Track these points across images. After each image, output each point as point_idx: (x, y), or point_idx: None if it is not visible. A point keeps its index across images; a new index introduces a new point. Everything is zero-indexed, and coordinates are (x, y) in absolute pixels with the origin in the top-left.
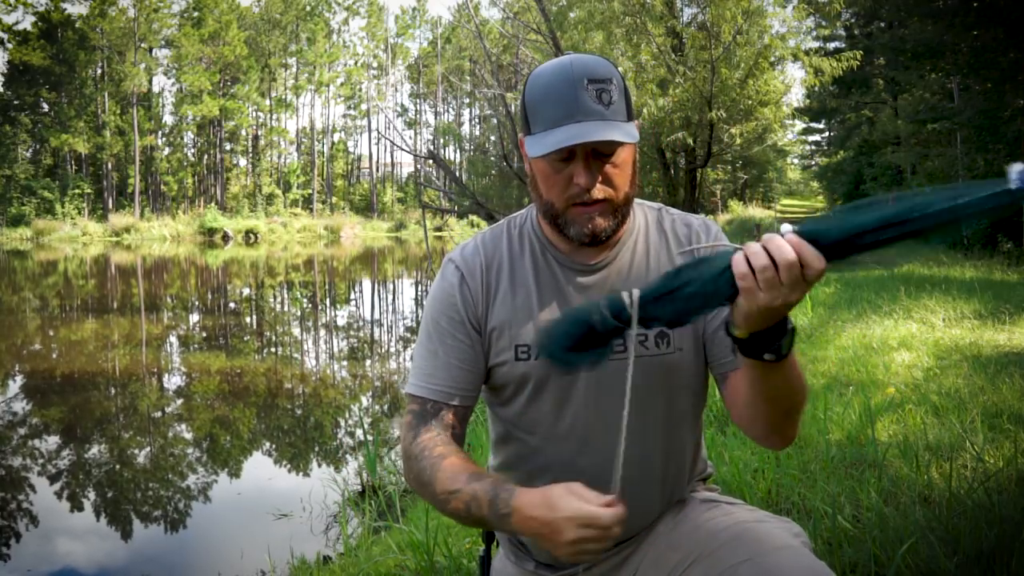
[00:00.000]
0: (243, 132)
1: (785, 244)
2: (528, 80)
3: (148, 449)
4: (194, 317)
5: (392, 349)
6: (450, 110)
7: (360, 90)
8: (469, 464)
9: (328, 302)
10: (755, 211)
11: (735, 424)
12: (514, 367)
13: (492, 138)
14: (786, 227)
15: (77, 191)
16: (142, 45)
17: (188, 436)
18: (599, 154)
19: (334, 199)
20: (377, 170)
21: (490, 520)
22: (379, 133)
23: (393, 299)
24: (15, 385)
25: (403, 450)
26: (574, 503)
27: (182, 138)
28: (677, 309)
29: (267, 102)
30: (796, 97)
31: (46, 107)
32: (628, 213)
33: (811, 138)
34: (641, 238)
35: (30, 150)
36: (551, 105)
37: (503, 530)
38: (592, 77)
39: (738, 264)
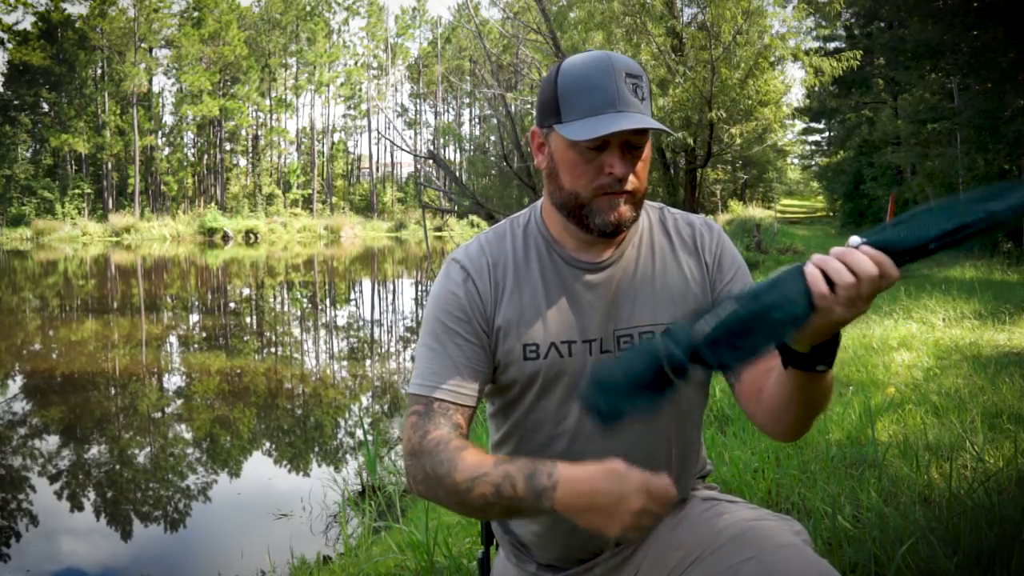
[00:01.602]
0: (243, 132)
1: (866, 259)
2: (560, 71)
3: (148, 449)
4: (194, 317)
5: (392, 349)
6: (450, 110)
7: (360, 90)
8: (493, 455)
9: (328, 302)
10: (755, 211)
11: (747, 416)
12: (522, 367)
13: (492, 138)
14: (855, 239)
15: (77, 191)
16: (142, 45)
17: (188, 436)
18: (631, 146)
19: (334, 199)
20: (377, 170)
21: (525, 498)
22: (379, 133)
23: (393, 299)
24: (15, 385)
25: (410, 448)
26: (639, 473)
27: (182, 138)
28: (765, 340)
29: (267, 102)
30: (796, 97)
31: (46, 107)
32: (641, 209)
33: (811, 138)
34: (646, 237)
35: (30, 150)
36: (591, 93)
37: (537, 509)
38: (629, 71)
39: (817, 283)
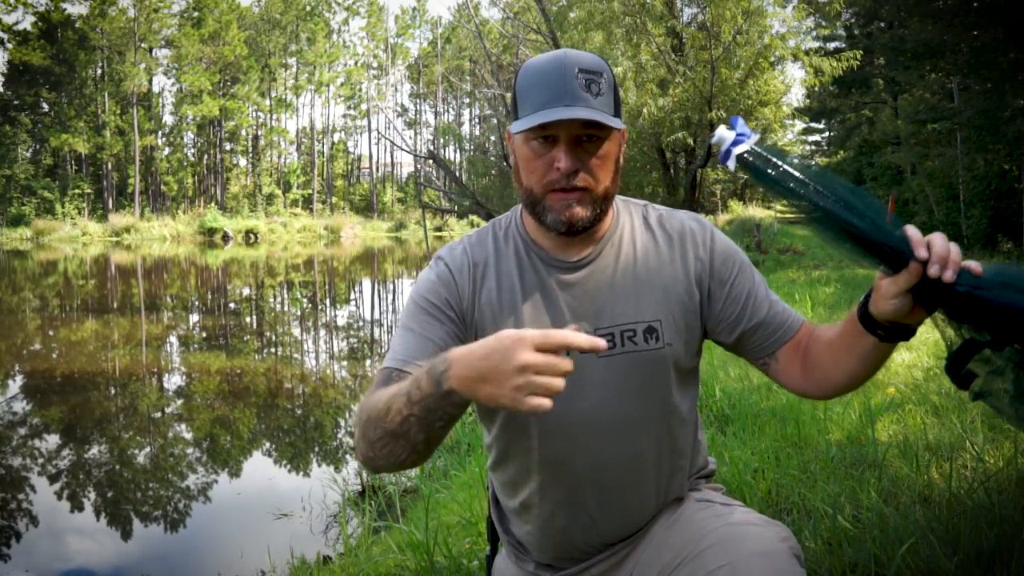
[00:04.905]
0: (243, 132)
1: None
2: (520, 70)
3: (148, 449)
4: (194, 317)
5: None
6: (450, 110)
7: (360, 90)
8: None
9: (328, 302)
10: (755, 211)
11: (784, 383)
12: None
13: (492, 138)
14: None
15: (77, 191)
16: (142, 45)
17: (188, 436)
18: (583, 143)
19: (334, 199)
20: (377, 170)
21: (431, 392)
22: (379, 133)
23: (393, 299)
24: (15, 385)
25: (357, 413)
26: (530, 331)
27: (182, 138)
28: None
29: (267, 102)
30: (796, 97)
31: (46, 107)
32: (607, 209)
33: (811, 138)
34: (627, 235)
35: (30, 150)
36: (539, 90)
37: (443, 398)
38: (583, 67)
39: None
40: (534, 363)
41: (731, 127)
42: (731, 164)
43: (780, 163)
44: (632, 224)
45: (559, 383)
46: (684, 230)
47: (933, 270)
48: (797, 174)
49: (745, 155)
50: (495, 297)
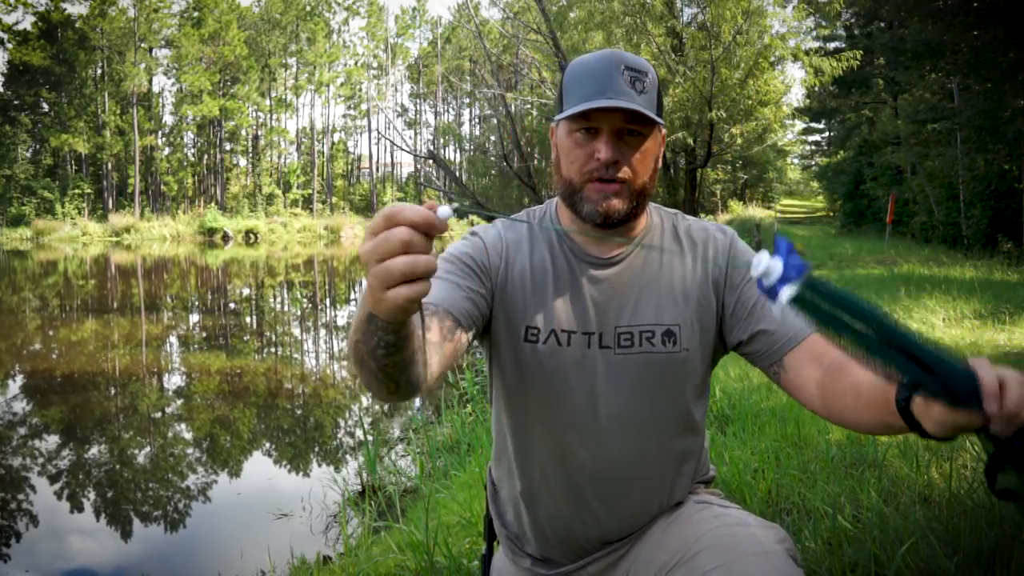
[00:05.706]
0: (243, 132)
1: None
2: (567, 66)
3: (148, 449)
4: (194, 317)
5: None
6: (450, 110)
7: (360, 90)
8: None
9: (328, 302)
10: (755, 211)
11: (799, 400)
12: (522, 348)
13: (492, 138)
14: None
15: (77, 191)
16: (142, 45)
17: (188, 436)
18: (624, 136)
19: (334, 199)
20: (377, 170)
21: (360, 317)
22: (379, 133)
23: None
24: (15, 385)
25: None
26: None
27: (182, 138)
28: None
29: (267, 102)
30: (796, 97)
31: (46, 107)
32: (643, 206)
33: (811, 138)
34: (656, 239)
35: (30, 150)
36: (585, 83)
37: (367, 318)
38: (629, 65)
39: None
40: (381, 243)
41: (775, 252)
42: (777, 310)
43: (836, 295)
44: (662, 229)
45: (403, 260)
46: (708, 238)
47: (996, 427)
48: (852, 307)
49: (802, 296)
50: (529, 274)
